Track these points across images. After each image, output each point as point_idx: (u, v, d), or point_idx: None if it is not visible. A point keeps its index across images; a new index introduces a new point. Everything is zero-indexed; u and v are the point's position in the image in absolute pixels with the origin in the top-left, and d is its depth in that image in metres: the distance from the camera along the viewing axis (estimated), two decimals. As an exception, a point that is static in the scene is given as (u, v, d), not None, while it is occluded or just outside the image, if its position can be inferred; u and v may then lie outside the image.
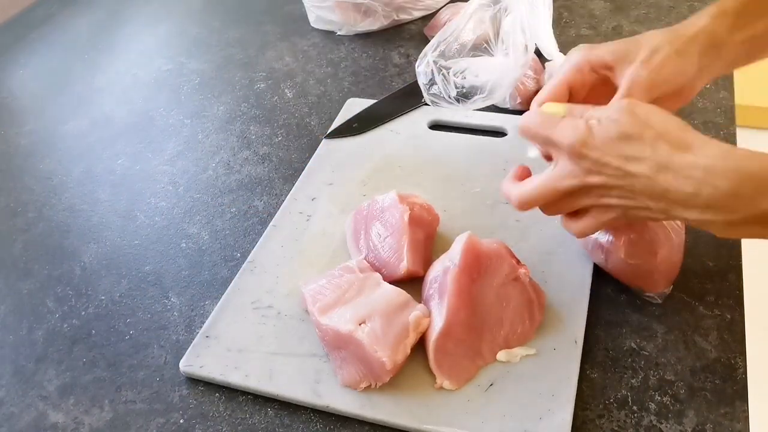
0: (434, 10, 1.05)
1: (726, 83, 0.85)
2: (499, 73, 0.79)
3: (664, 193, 0.47)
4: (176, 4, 1.21)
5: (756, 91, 1.83)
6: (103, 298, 0.69)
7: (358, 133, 0.84)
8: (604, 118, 0.50)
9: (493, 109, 0.83)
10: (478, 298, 0.58)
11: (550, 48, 0.84)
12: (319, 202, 0.75)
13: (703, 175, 0.45)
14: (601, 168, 0.49)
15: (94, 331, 0.66)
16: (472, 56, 0.82)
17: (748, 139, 1.10)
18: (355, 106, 0.88)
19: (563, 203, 0.54)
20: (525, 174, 0.58)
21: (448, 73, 0.81)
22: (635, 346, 0.59)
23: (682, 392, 0.55)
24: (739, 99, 0.83)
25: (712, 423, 0.53)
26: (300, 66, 1.00)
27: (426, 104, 0.84)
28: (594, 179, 0.50)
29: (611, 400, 0.55)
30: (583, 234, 0.56)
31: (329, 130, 0.84)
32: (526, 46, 0.78)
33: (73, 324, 0.67)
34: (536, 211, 0.70)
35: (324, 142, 0.83)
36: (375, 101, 0.89)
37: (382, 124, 0.85)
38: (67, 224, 0.79)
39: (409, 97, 0.88)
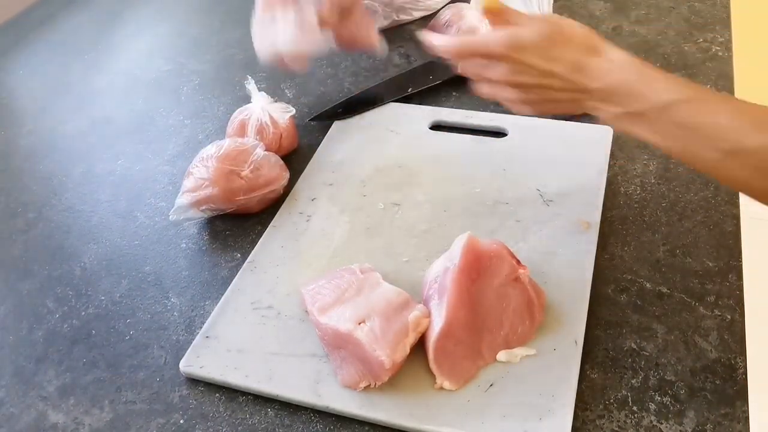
0: (434, 11, 1.04)
1: (726, 83, 0.85)
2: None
3: (575, 87, 0.56)
4: (176, 5, 1.21)
5: (756, 91, 1.83)
6: (103, 298, 0.69)
7: (342, 118, 0.86)
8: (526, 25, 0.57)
9: (493, 109, 0.83)
10: (478, 299, 0.58)
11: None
12: (319, 202, 0.75)
13: (607, 72, 0.55)
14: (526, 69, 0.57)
15: (94, 332, 0.66)
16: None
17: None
18: (354, 106, 0.89)
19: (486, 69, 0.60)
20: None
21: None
22: (635, 347, 0.59)
23: (682, 392, 0.55)
24: (739, 99, 0.83)
25: (712, 423, 0.53)
26: (300, 66, 1.00)
27: (408, 96, 0.88)
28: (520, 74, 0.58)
29: (611, 401, 0.55)
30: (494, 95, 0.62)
31: (314, 115, 0.87)
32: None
33: (73, 324, 0.67)
34: (536, 212, 0.70)
35: (324, 142, 0.83)
36: (361, 90, 0.91)
37: (366, 110, 0.87)
38: (67, 225, 0.78)
39: (397, 87, 0.90)
